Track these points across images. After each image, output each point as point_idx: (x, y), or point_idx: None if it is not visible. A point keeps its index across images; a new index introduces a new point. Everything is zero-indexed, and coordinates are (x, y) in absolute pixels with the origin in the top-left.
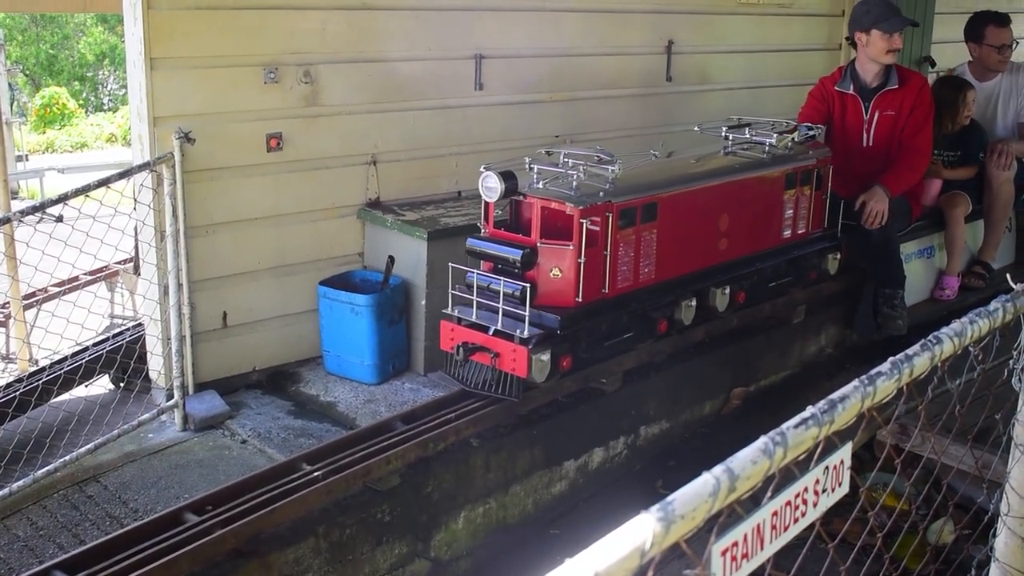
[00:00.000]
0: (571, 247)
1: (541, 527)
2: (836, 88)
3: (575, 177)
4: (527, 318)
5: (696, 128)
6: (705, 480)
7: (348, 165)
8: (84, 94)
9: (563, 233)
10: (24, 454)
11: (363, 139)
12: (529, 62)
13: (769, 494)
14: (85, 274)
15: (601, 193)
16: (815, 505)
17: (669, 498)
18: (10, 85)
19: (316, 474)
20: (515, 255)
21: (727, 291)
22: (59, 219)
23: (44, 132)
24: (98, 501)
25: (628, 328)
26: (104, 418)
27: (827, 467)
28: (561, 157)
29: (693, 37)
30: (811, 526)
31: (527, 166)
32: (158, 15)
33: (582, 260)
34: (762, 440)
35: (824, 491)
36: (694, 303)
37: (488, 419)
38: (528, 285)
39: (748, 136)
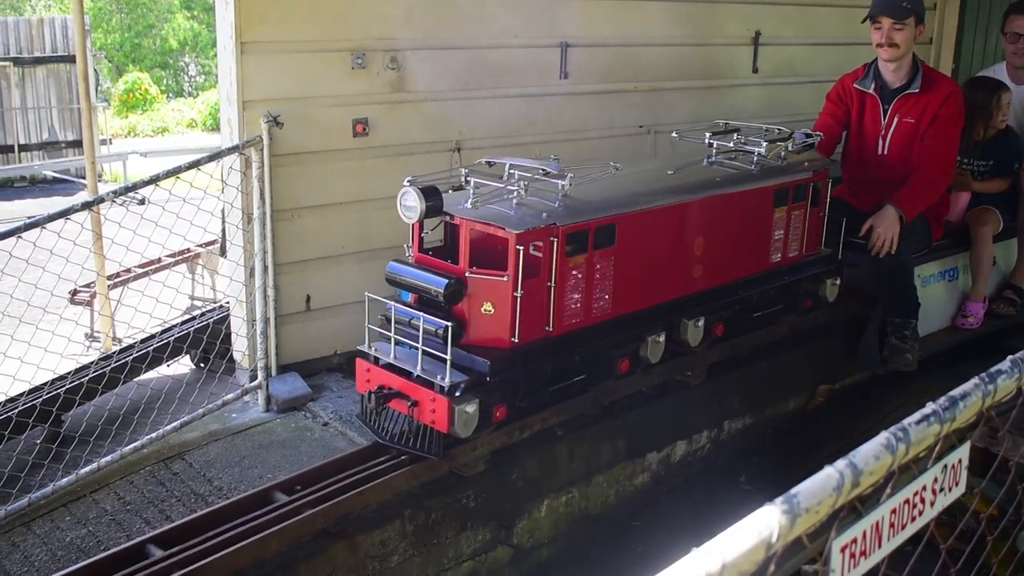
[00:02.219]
0: (506, 278)
1: (623, 518)
2: (855, 86)
3: (516, 194)
4: (448, 363)
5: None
6: (829, 474)
7: (432, 151)
8: (166, 80)
9: (499, 261)
10: (112, 430)
11: (447, 125)
12: (614, 51)
13: (888, 491)
14: (168, 256)
15: (544, 214)
16: (932, 504)
17: (793, 491)
18: (95, 71)
19: (402, 458)
20: (438, 286)
21: (700, 323)
22: (141, 201)
23: (127, 117)
24: (183, 478)
25: (580, 370)
26: (189, 397)
27: (946, 465)
28: (506, 169)
29: (781, 28)
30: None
31: (463, 179)
32: (249, 0)
33: (518, 294)
34: (884, 435)
35: (942, 490)
36: (662, 338)
37: (572, 409)
38: (450, 324)
39: (732, 145)
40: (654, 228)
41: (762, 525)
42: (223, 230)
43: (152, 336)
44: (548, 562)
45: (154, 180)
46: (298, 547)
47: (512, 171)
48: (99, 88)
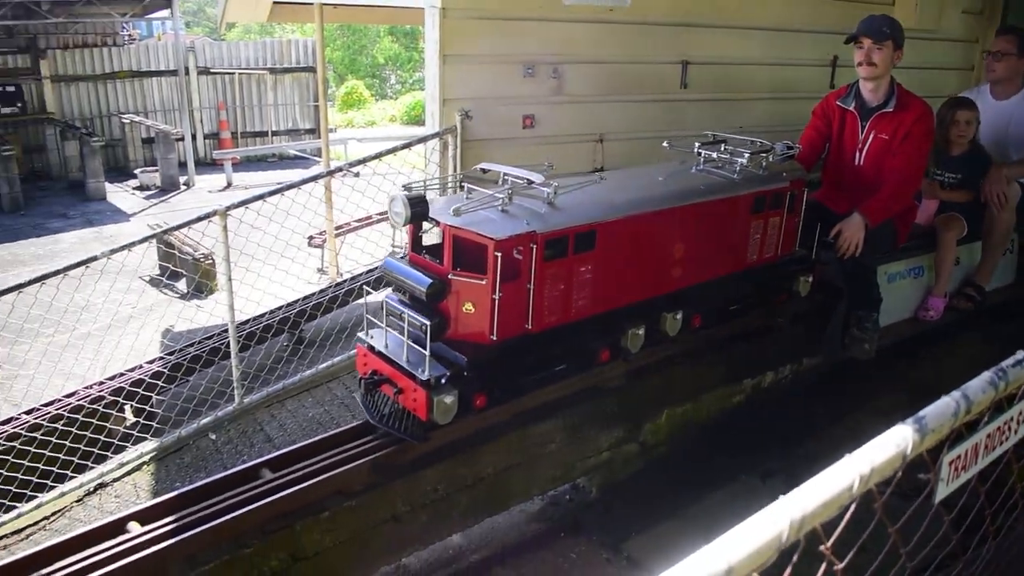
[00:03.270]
0: (485, 282)
1: (723, 427)
2: (838, 103)
3: (502, 203)
4: (427, 358)
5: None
6: (947, 403)
7: (581, 141)
8: (375, 87)
9: (480, 264)
10: (341, 338)
11: (593, 122)
12: (722, 68)
13: (986, 419)
14: (377, 213)
15: (525, 222)
16: (1016, 432)
17: (920, 414)
18: (326, 79)
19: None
20: (422, 286)
21: (679, 316)
22: (356, 174)
23: (346, 112)
24: None
25: (560, 360)
26: None
27: None
28: (501, 177)
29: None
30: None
31: (459, 184)
32: (450, 23)
33: (496, 296)
34: (988, 374)
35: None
36: (642, 331)
37: (688, 342)
38: (429, 323)
39: (716, 156)
40: (634, 234)
41: (899, 438)
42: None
43: (370, 270)
44: (665, 455)
45: (379, 155)
46: (483, 431)
47: (506, 178)
48: (328, 91)
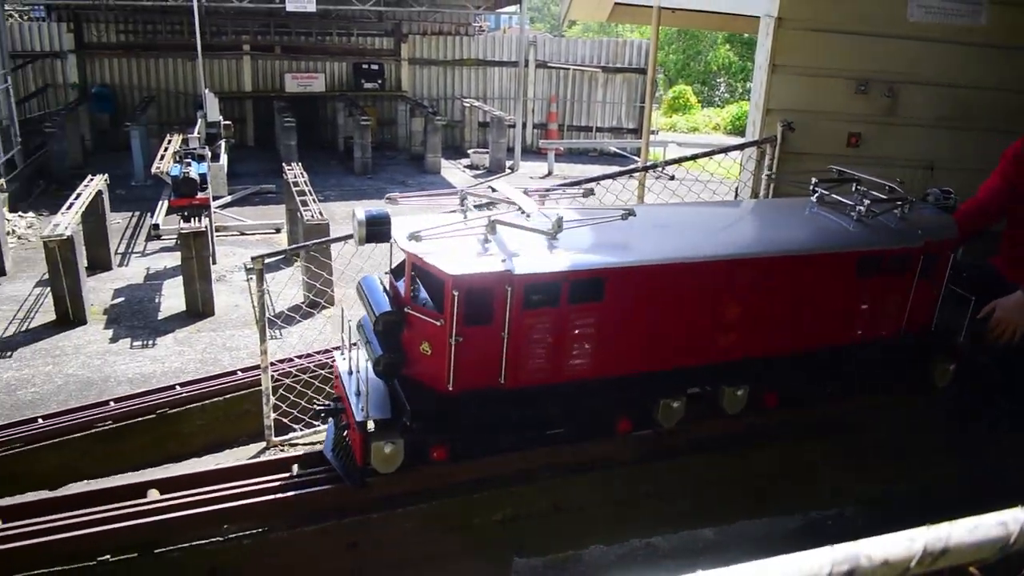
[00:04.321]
0: (441, 322)
1: None
2: None
3: (485, 232)
4: (365, 397)
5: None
6: None
7: (909, 167)
8: (703, 93)
9: (439, 301)
10: None
11: (925, 147)
12: None
13: None
14: None
15: (503, 259)
16: None
17: None
18: (655, 81)
19: None
20: (375, 314)
21: (741, 392)
22: (671, 176)
23: (671, 116)
24: None
25: (556, 424)
26: None
27: None
28: (517, 202)
29: None
30: None
31: (461, 200)
32: (784, 33)
33: (453, 340)
34: None
35: None
36: (679, 404)
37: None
38: (374, 358)
39: (839, 199)
40: (665, 286)
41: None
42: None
43: None
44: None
45: (695, 157)
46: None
47: (513, 205)
48: (656, 93)
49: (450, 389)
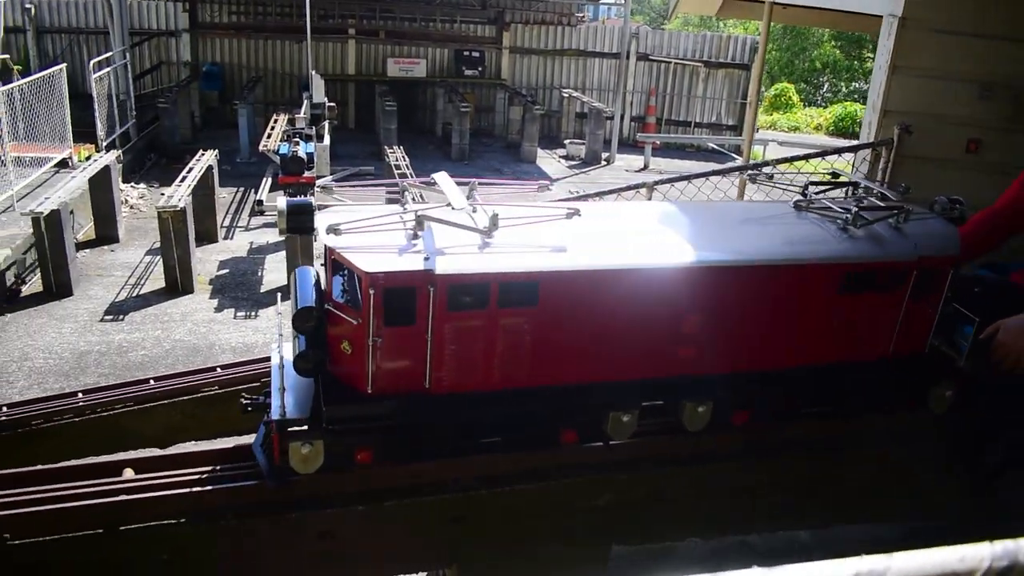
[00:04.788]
0: (357, 321)
1: None
2: None
3: (413, 232)
4: (281, 394)
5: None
6: None
7: None
8: (805, 92)
9: (357, 299)
10: None
11: None
12: None
13: None
14: None
15: (425, 258)
16: None
17: None
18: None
19: None
20: (296, 307)
21: (703, 408)
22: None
23: (771, 114)
24: None
25: (496, 431)
26: None
27: None
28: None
29: None
30: None
31: (403, 197)
32: (906, 33)
33: (371, 341)
34: None
35: None
36: (629, 418)
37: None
38: (295, 356)
39: (827, 204)
40: (609, 293)
41: None
42: None
43: None
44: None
45: (803, 158)
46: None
47: (472, 197)
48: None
49: (369, 392)
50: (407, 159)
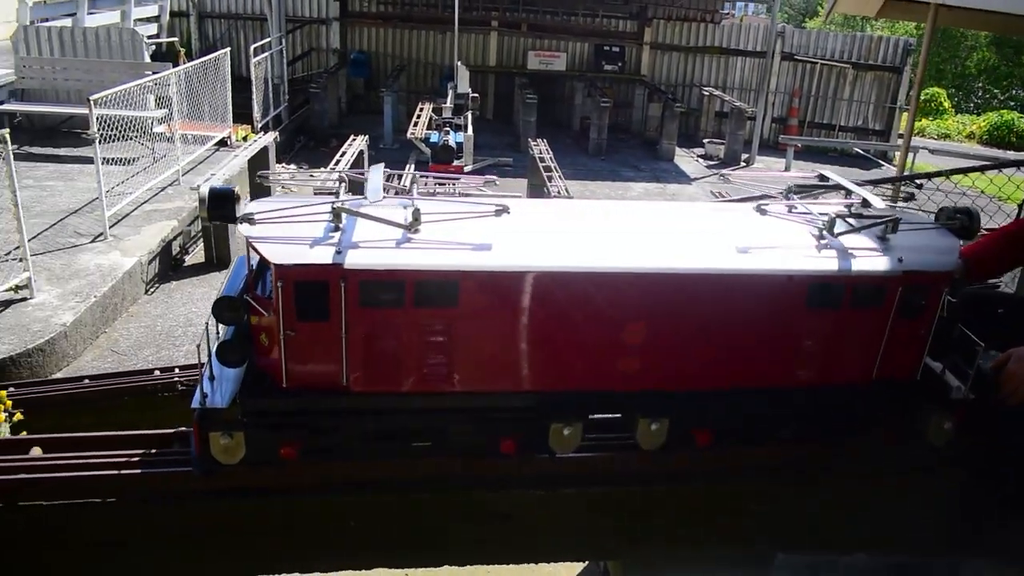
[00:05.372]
0: (269, 314)
1: None
2: None
3: (333, 224)
4: (201, 381)
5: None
6: None
7: None
8: (957, 99)
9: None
10: None
11: None
12: None
13: None
14: None
15: (337, 251)
16: None
17: None
18: (910, 81)
19: None
20: (220, 294)
21: (656, 426)
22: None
23: (920, 120)
24: None
25: (422, 436)
26: None
27: None
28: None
29: None
30: None
31: (336, 188)
32: None
33: (283, 334)
34: None
35: None
36: (572, 431)
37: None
38: (216, 345)
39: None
40: (536, 298)
41: None
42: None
43: None
44: None
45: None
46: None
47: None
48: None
49: (284, 386)
50: (550, 152)
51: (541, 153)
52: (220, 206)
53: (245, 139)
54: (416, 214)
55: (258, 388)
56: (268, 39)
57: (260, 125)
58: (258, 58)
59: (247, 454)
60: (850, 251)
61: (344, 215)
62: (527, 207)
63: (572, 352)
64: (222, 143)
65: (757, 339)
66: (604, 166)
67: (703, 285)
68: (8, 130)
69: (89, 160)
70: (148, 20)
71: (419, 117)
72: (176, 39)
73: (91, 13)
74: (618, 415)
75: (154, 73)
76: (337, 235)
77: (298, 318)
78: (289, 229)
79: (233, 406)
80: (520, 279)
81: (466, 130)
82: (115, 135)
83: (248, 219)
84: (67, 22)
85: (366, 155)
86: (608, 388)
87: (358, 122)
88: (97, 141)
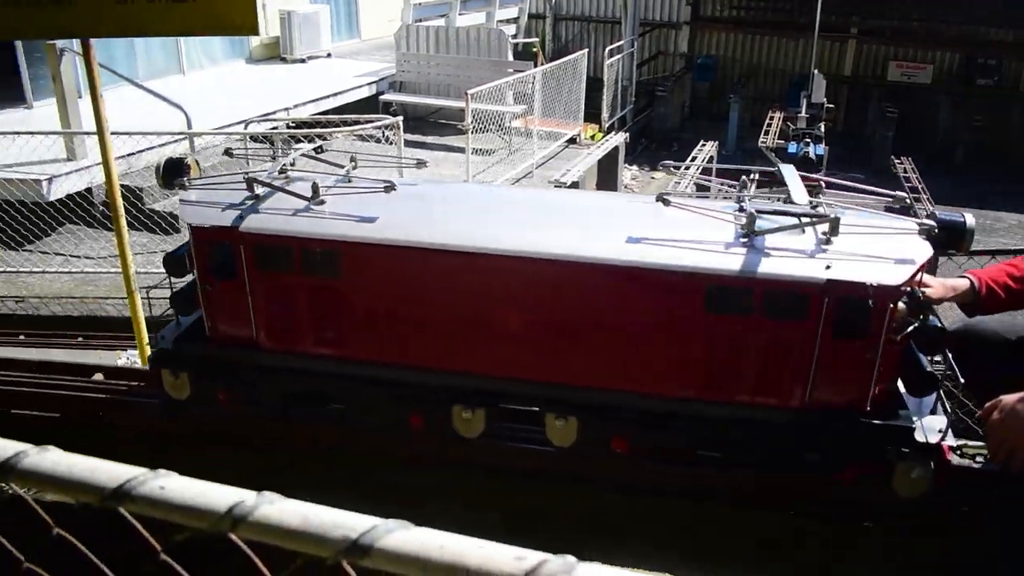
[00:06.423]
0: (194, 272)
1: None
2: None
3: (244, 188)
4: (168, 327)
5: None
6: None
7: None
8: None
9: None
10: None
11: None
12: None
13: None
14: None
15: (237, 215)
16: None
17: None
18: None
19: None
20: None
21: (564, 422)
22: None
23: None
24: None
25: (333, 400)
26: None
27: None
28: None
29: None
30: None
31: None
32: None
33: (201, 289)
34: None
35: None
36: (475, 415)
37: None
38: (171, 294)
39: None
40: (418, 274)
41: None
42: None
43: None
44: None
45: None
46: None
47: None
48: None
49: (208, 338)
50: (917, 172)
51: (906, 172)
52: (172, 174)
53: (592, 138)
54: (315, 187)
55: (195, 336)
56: (620, 42)
57: (607, 125)
58: (611, 60)
59: (191, 394)
60: (767, 252)
61: (257, 186)
62: (428, 188)
63: (449, 332)
64: (572, 140)
65: (649, 341)
66: (965, 192)
67: (582, 275)
68: (401, 118)
69: (451, 148)
70: (509, 21)
71: (769, 126)
72: (535, 39)
73: (461, 14)
74: (525, 408)
75: (517, 71)
76: (252, 203)
77: (212, 275)
78: (217, 195)
79: (178, 350)
80: (398, 253)
81: (825, 142)
82: (479, 127)
83: (182, 184)
84: (440, 22)
85: (714, 160)
86: (491, 373)
87: (699, 127)
88: (469, 132)
